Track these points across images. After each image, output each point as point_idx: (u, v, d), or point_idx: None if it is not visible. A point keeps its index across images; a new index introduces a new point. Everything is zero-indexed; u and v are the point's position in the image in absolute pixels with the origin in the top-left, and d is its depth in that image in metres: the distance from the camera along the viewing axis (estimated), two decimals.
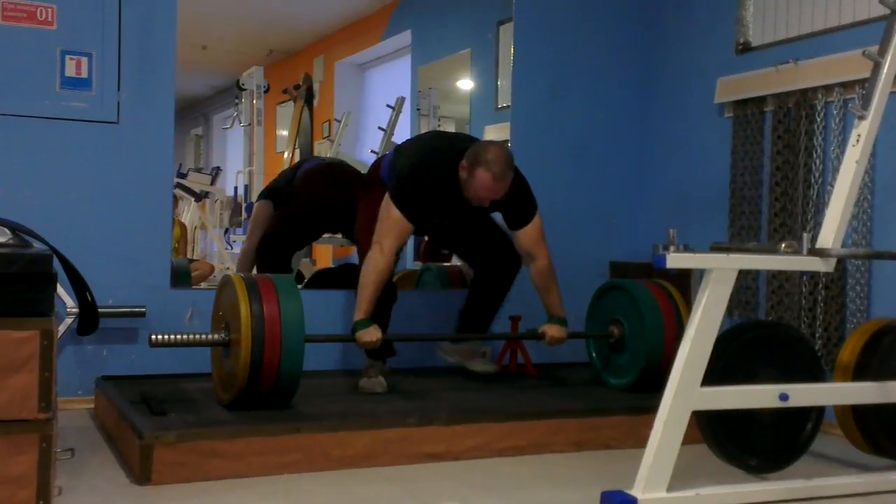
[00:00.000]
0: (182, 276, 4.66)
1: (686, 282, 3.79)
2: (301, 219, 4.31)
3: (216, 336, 2.95)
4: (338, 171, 4.45)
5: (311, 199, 4.28)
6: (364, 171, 5.80)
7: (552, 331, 3.36)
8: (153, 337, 2.91)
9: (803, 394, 2.54)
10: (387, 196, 3.22)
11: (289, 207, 4.33)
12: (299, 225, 4.33)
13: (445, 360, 3.55)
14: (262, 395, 2.83)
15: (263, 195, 4.62)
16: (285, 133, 6.86)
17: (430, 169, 3.25)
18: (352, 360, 3.71)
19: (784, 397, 2.47)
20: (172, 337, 2.91)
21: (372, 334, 3.13)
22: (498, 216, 3.45)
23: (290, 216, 4.29)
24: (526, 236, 3.33)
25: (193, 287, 4.51)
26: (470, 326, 3.53)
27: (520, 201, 3.31)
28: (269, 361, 2.77)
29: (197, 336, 2.96)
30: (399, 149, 3.49)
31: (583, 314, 3.66)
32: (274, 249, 4.13)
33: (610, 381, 3.55)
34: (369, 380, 3.25)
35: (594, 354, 3.65)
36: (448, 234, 3.50)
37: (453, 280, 4.28)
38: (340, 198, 4.19)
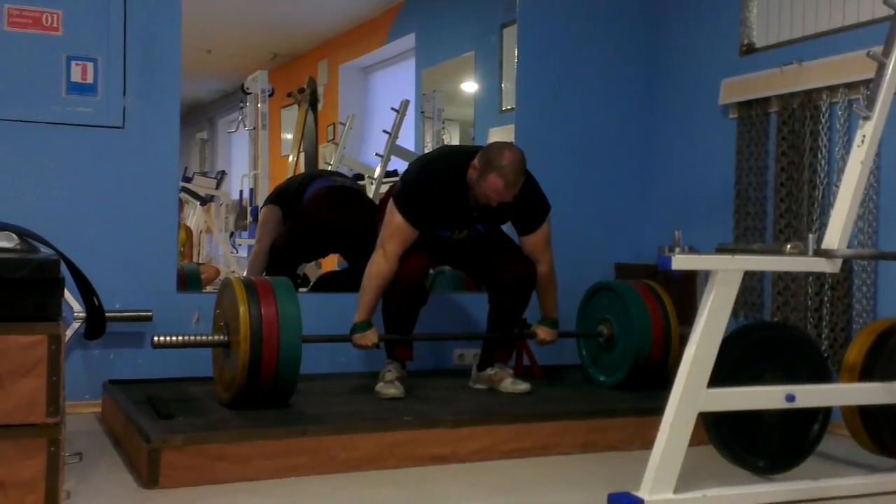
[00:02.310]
0: (193, 281, 4.68)
1: (691, 283, 3.79)
2: (308, 239, 4.40)
3: (216, 337, 3.00)
4: (346, 194, 4.46)
5: (319, 222, 4.35)
6: (369, 173, 5.85)
7: (542, 332, 3.41)
8: (155, 339, 2.96)
9: (810, 395, 2.54)
10: (391, 201, 3.23)
11: (297, 226, 4.40)
12: (306, 244, 4.44)
13: (476, 386, 3.50)
14: (261, 394, 2.87)
15: (271, 199, 4.64)
16: (290, 136, 6.87)
17: (434, 173, 3.24)
18: (355, 363, 3.72)
19: (790, 398, 2.46)
20: (174, 338, 2.97)
21: (368, 338, 3.17)
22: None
23: (298, 235, 4.38)
24: (533, 241, 3.33)
25: (200, 291, 4.53)
26: (494, 347, 3.46)
27: (531, 207, 3.29)
28: (268, 361, 2.82)
29: (197, 337, 3.01)
30: (408, 165, 3.52)
31: None
32: (282, 261, 4.19)
33: (600, 378, 3.61)
34: (385, 384, 3.23)
35: (584, 353, 3.71)
36: (459, 252, 3.43)
37: (467, 282, 4.29)
38: (347, 222, 4.26)
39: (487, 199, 3.12)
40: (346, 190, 4.50)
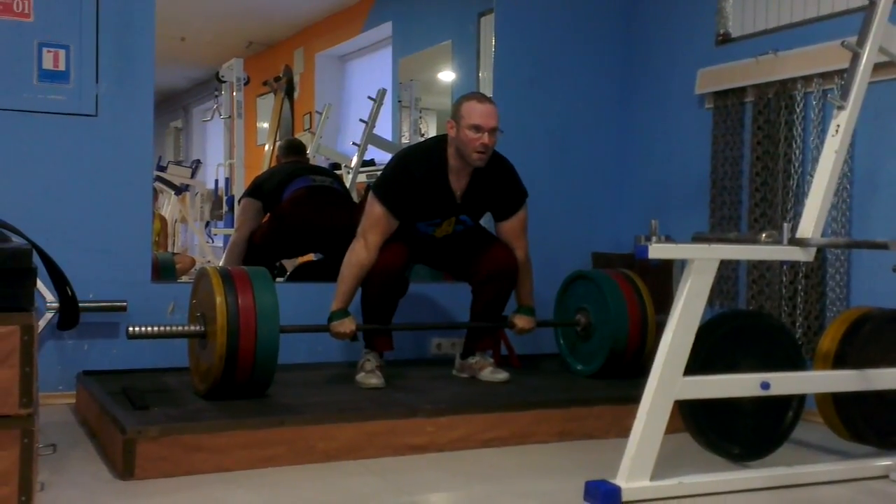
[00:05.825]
0: (167, 271, 4.65)
1: (668, 272, 3.81)
2: (287, 240, 4.40)
3: (193, 327, 2.97)
4: (325, 194, 4.44)
5: (297, 224, 4.35)
6: (346, 163, 5.83)
7: (520, 321, 3.40)
8: (131, 329, 2.92)
9: (784, 382, 2.56)
10: (370, 192, 3.24)
11: (276, 227, 4.40)
12: (285, 245, 4.45)
13: (459, 375, 3.50)
14: (239, 384, 2.85)
15: (249, 193, 4.60)
16: (266, 125, 6.82)
17: (413, 161, 3.25)
18: (333, 352, 3.71)
19: (765, 386, 2.49)
20: (150, 329, 2.93)
21: (346, 325, 3.16)
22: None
23: (277, 236, 4.37)
24: (510, 227, 3.34)
25: (174, 281, 4.50)
26: (477, 336, 3.46)
27: (510, 192, 3.31)
28: (245, 352, 2.79)
29: (174, 328, 2.98)
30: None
31: None
32: (260, 258, 4.18)
33: (577, 367, 3.62)
34: (366, 374, 3.22)
35: (562, 342, 3.73)
36: (441, 251, 3.42)
37: (445, 273, 4.30)
38: (326, 223, 4.26)
39: (476, 135, 3.10)
40: (326, 190, 4.47)
